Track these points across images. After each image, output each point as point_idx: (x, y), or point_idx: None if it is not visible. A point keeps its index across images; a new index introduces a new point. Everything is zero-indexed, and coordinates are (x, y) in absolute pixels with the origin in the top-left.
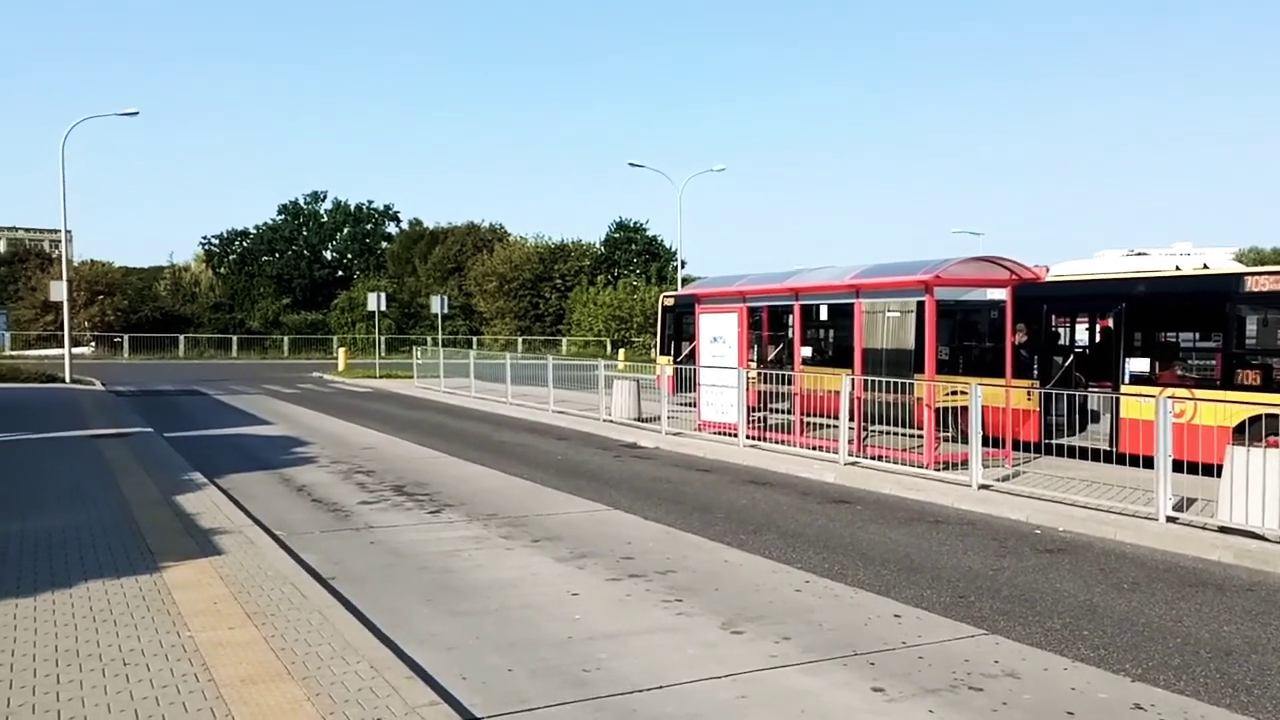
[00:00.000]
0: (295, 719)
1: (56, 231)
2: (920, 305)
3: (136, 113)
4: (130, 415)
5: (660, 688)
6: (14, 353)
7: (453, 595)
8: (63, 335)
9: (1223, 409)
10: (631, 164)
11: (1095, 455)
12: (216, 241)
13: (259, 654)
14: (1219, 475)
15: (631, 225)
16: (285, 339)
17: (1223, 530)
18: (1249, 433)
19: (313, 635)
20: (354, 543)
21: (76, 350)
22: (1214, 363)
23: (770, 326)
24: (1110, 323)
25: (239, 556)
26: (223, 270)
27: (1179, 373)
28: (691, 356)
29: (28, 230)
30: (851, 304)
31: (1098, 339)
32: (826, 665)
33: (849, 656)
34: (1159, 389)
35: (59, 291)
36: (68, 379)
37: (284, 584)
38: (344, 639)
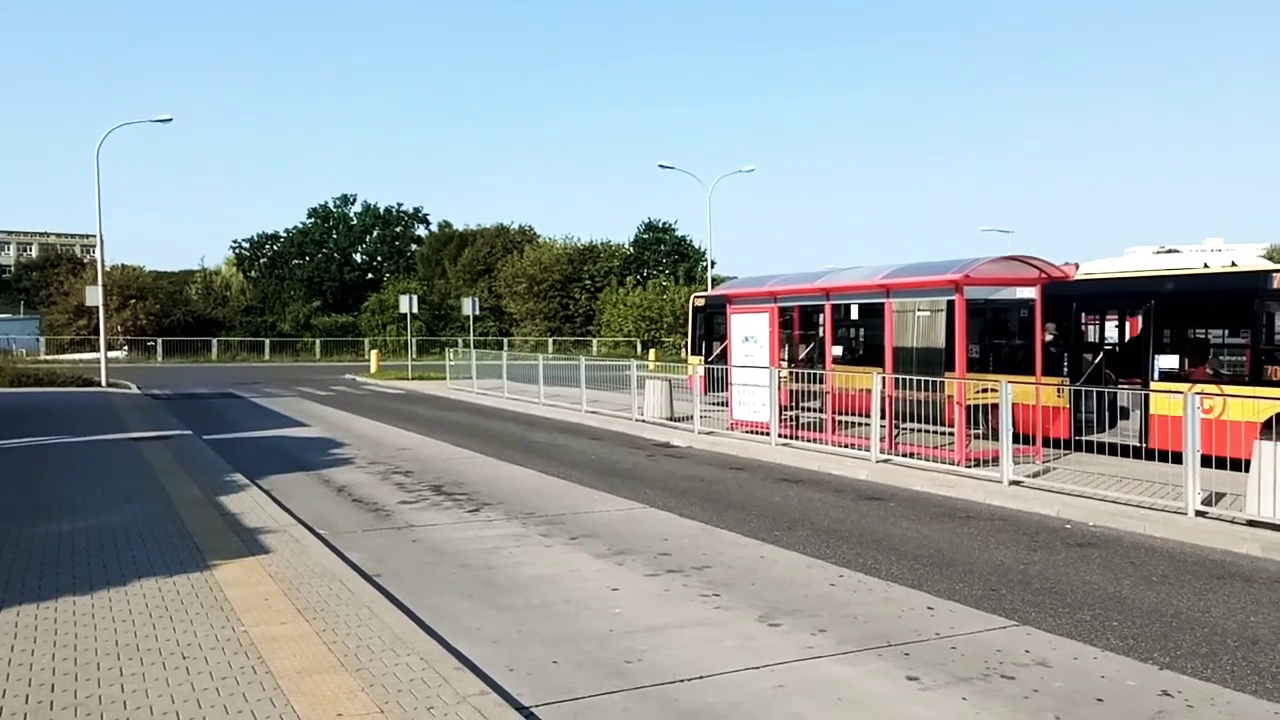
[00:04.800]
0: (352, 708)
1: (87, 236)
2: (950, 304)
3: (170, 119)
4: (168, 418)
5: (701, 678)
6: (49, 357)
7: (495, 591)
8: (95, 339)
9: (1251, 404)
10: (661, 165)
11: (1125, 451)
12: (247, 245)
13: (312, 647)
14: (1248, 470)
15: (661, 226)
16: (317, 341)
17: (1251, 524)
18: (1277, 428)
19: (362, 629)
20: (396, 541)
21: (110, 354)
22: (1243, 359)
23: (801, 326)
24: (1139, 320)
25: (285, 555)
26: (253, 274)
27: (1208, 369)
28: (723, 356)
29: (59, 235)
30: (882, 303)
31: (1127, 336)
32: (862, 656)
33: (884, 647)
34: (1188, 385)
35: (94, 296)
36: (104, 383)
37: (331, 581)
38: (393, 633)
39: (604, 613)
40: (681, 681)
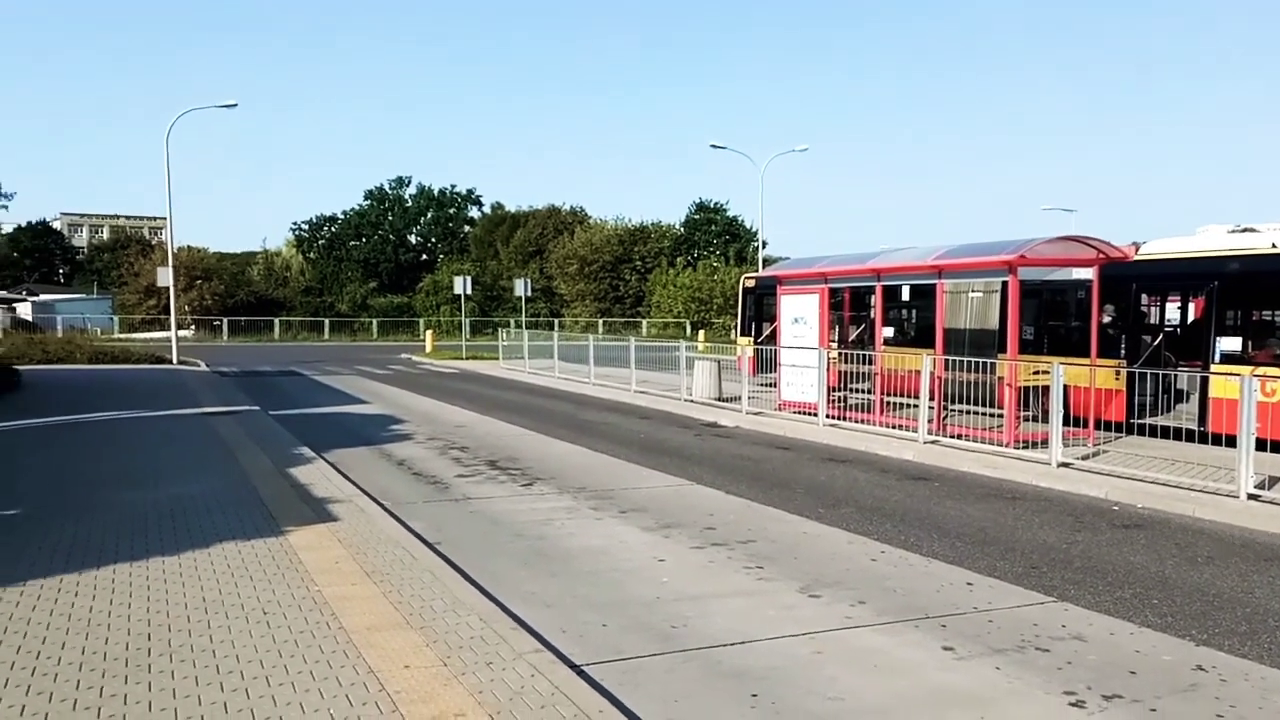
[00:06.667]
0: (417, 660)
1: (155, 218)
2: (1004, 285)
3: (235, 105)
4: (236, 394)
5: (743, 643)
6: (121, 335)
7: (548, 560)
8: (164, 318)
9: None
10: (713, 145)
11: (1181, 435)
12: (306, 227)
13: (380, 606)
14: None
15: (711, 206)
16: (374, 322)
17: None
18: None
19: (425, 591)
20: (454, 512)
21: (179, 333)
22: None
23: (851, 307)
24: (1201, 302)
25: (353, 523)
26: (312, 255)
27: (1273, 352)
28: (772, 337)
29: (128, 218)
30: (934, 284)
31: (1189, 318)
32: (899, 626)
33: (921, 619)
34: (1250, 368)
35: (165, 277)
36: (174, 360)
37: (395, 547)
38: (453, 595)
39: (651, 581)
40: (724, 646)
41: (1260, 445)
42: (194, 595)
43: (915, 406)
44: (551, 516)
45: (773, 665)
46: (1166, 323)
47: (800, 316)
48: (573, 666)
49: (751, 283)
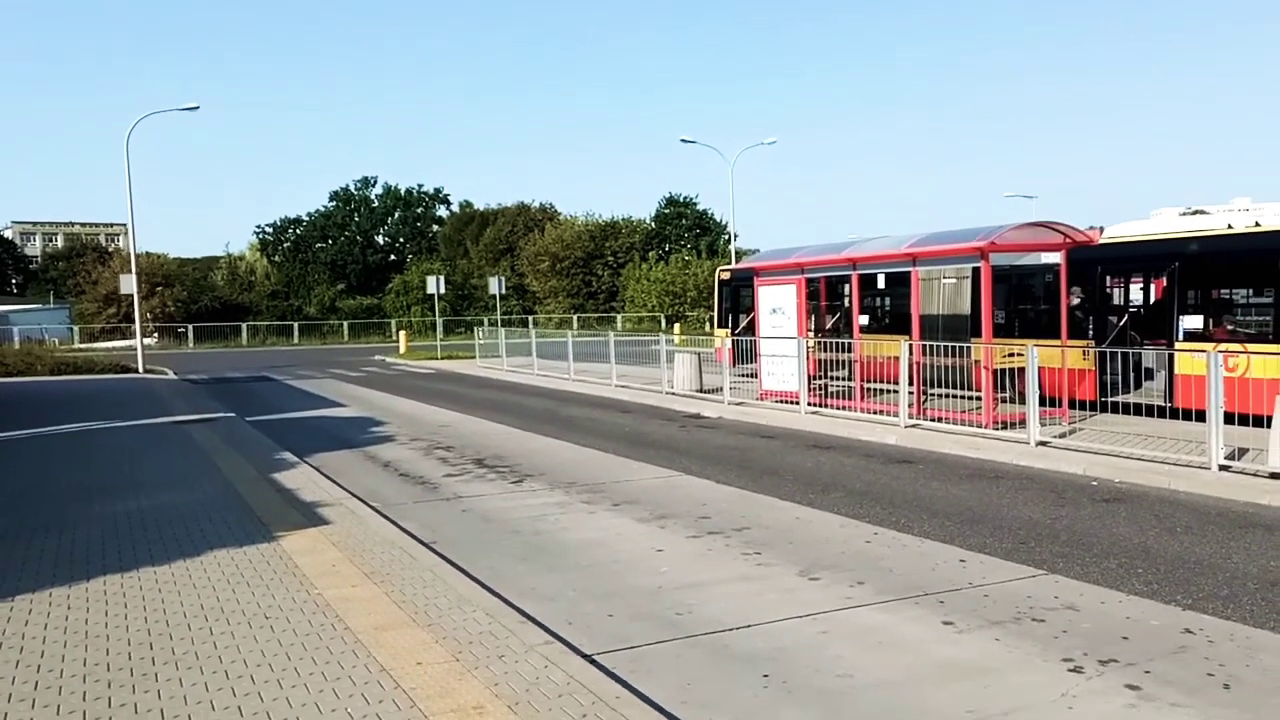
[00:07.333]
0: (429, 657)
1: (111, 225)
2: (976, 271)
3: (197, 107)
4: (209, 401)
5: (748, 626)
6: (82, 345)
7: (546, 554)
8: (125, 327)
9: (1275, 362)
10: (683, 140)
11: (1151, 411)
12: (270, 230)
13: (384, 606)
14: (1271, 425)
15: (682, 200)
16: (344, 324)
17: (1273, 476)
18: None
19: (428, 590)
20: (446, 511)
21: (143, 341)
22: (1267, 318)
23: (828, 296)
24: (1164, 282)
25: (345, 525)
26: (277, 258)
27: (1232, 328)
28: (749, 328)
29: (83, 225)
30: (908, 272)
31: (1152, 298)
32: (899, 604)
33: (919, 597)
34: (1213, 345)
35: (128, 285)
36: (140, 369)
37: (391, 548)
38: (457, 592)
39: (651, 571)
40: (730, 630)
41: (1227, 419)
42: (191, 603)
43: (895, 392)
44: (544, 512)
45: (780, 646)
46: (1131, 303)
47: (778, 307)
48: (584, 656)
49: (727, 275)
